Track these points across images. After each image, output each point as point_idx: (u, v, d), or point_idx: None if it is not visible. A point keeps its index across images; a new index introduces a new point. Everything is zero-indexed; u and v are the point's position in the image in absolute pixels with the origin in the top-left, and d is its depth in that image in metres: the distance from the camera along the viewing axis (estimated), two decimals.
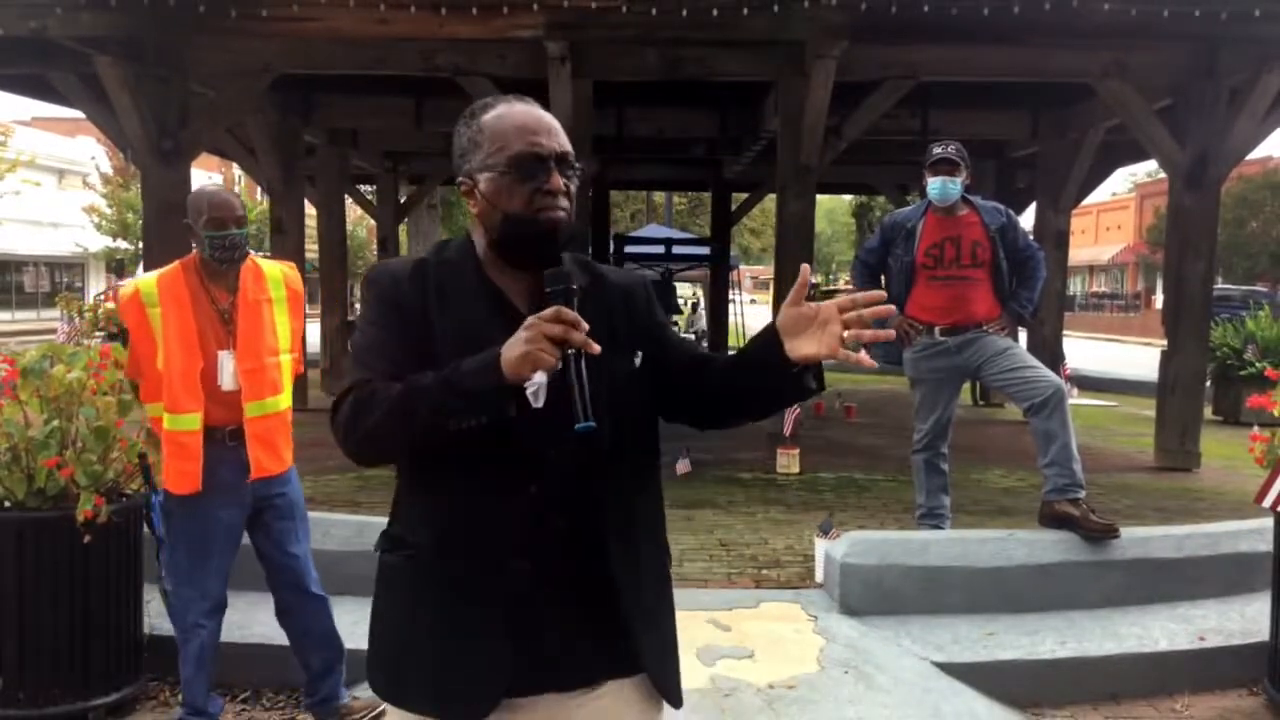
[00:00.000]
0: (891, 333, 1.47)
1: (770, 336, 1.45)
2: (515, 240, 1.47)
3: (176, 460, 2.81)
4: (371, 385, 1.40)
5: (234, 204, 2.90)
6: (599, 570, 1.46)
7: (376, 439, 1.40)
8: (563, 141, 1.48)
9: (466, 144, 1.50)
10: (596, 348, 1.33)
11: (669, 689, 1.54)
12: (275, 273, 3.04)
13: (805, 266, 1.47)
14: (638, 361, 1.50)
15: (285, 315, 3.02)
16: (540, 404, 1.33)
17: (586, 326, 1.32)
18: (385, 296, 1.47)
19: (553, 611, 1.45)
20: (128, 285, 2.93)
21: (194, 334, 2.84)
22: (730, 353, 1.65)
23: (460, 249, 1.54)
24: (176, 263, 2.94)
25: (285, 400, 3.00)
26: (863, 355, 1.46)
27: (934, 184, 4.31)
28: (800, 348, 1.41)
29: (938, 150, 4.34)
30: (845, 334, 1.40)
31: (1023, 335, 7.75)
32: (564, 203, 1.47)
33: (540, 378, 1.32)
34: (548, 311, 1.33)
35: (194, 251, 2.93)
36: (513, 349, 1.32)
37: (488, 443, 1.37)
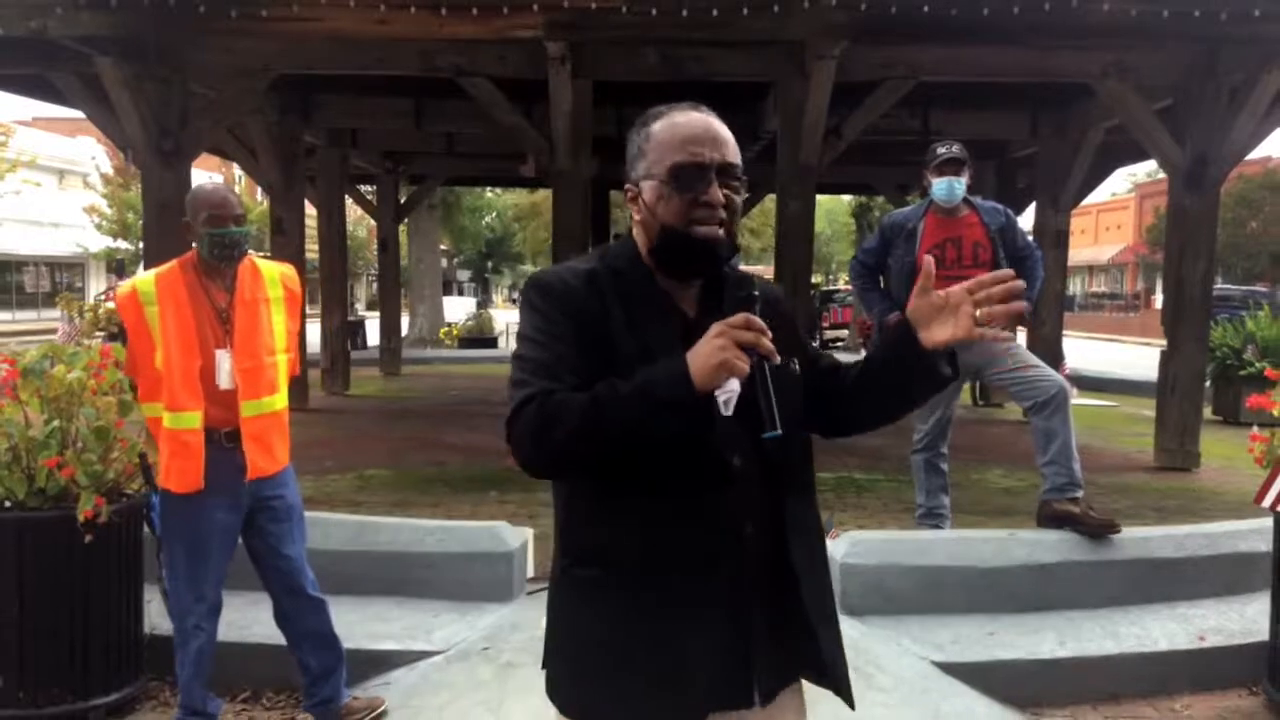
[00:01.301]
0: (1023, 305, 1.46)
1: (902, 329, 1.49)
2: (670, 252, 1.46)
3: (178, 459, 2.80)
4: (556, 397, 1.36)
5: (233, 201, 2.90)
6: (786, 574, 1.47)
7: (570, 451, 1.36)
8: (728, 153, 1.46)
9: (635, 151, 1.51)
10: (778, 356, 1.34)
11: (844, 688, 1.53)
12: (273, 273, 3.03)
13: (929, 259, 1.49)
14: (796, 368, 1.51)
15: (282, 315, 3.01)
16: (730, 412, 1.34)
17: (770, 334, 1.33)
18: (562, 305, 1.44)
19: (752, 618, 1.45)
20: (125, 284, 2.93)
21: (193, 332, 2.83)
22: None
23: (627, 257, 1.52)
24: (174, 261, 2.93)
25: (281, 400, 2.99)
26: (998, 331, 1.51)
27: (940, 184, 4.30)
28: (935, 334, 1.46)
29: (943, 150, 4.32)
30: (978, 313, 1.45)
31: (1021, 335, 7.75)
32: (721, 215, 1.44)
33: (734, 385, 1.33)
34: (737, 318, 1.32)
35: (192, 250, 2.93)
36: (706, 357, 1.30)
37: (683, 451, 1.37)
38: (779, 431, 1.32)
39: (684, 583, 1.41)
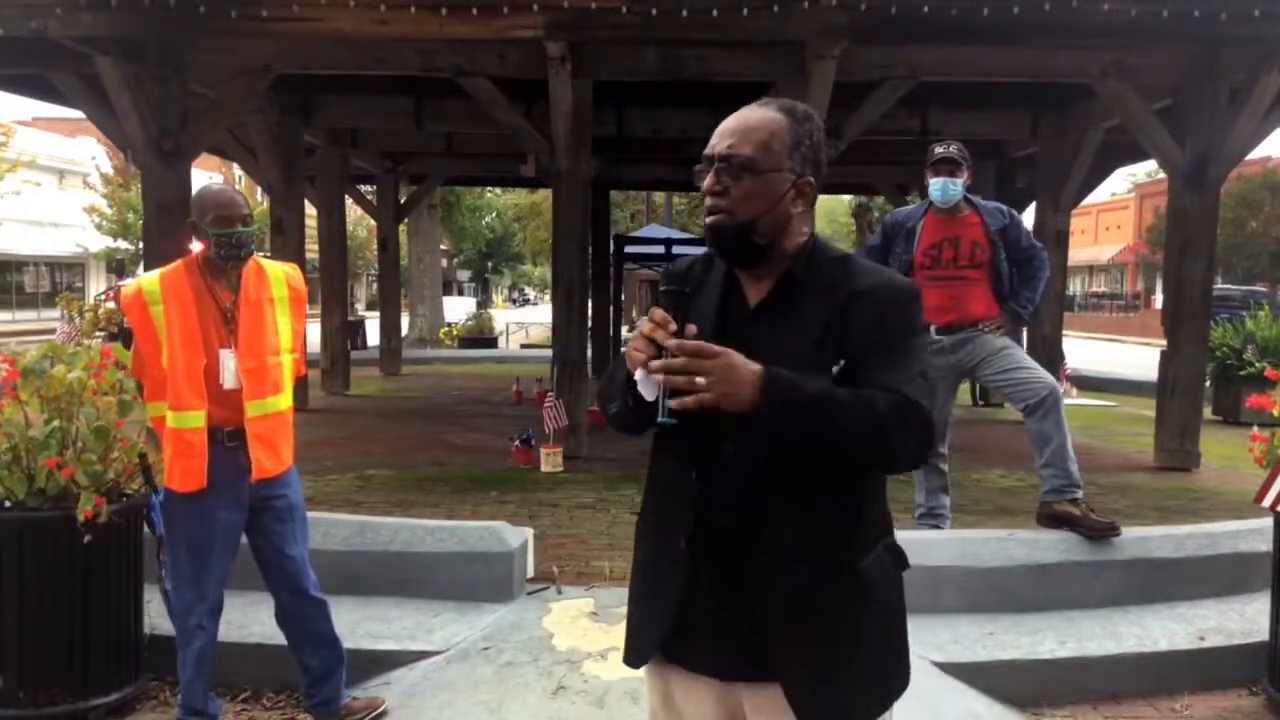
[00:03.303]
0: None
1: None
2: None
3: (181, 458, 2.80)
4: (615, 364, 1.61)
5: (240, 202, 2.90)
6: (742, 574, 1.50)
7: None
8: (728, 144, 1.51)
9: None
10: (670, 344, 1.40)
11: (812, 715, 1.49)
12: (277, 272, 3.03)
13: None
14: (835, 371, 1.46)
15: (287, 315, 3.01)
16: (650, 397, 1.45)
17: (674, 327, 1.41)
18: (665, 283, 1.57)
19: (702, 598, 1.53)
20: (130, 284, 2.93)
21: (197, 332, 2.83)
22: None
23: None
24: (179, 261, 2.93)
25: (286, 400, 2.99)
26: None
27: (935, 184, 4.30)
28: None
29: (939, 150, 4.32)
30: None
31: (1023, 335, 7.73)
32: (719, 203, 1.51)
33: (639, 373, 1.45)
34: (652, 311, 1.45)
35: (196, 250, 2.93)
36: None
37: (684, 431, 1.45)
38: (669, 420, 1.40)
39: (664, 545, 1.57)
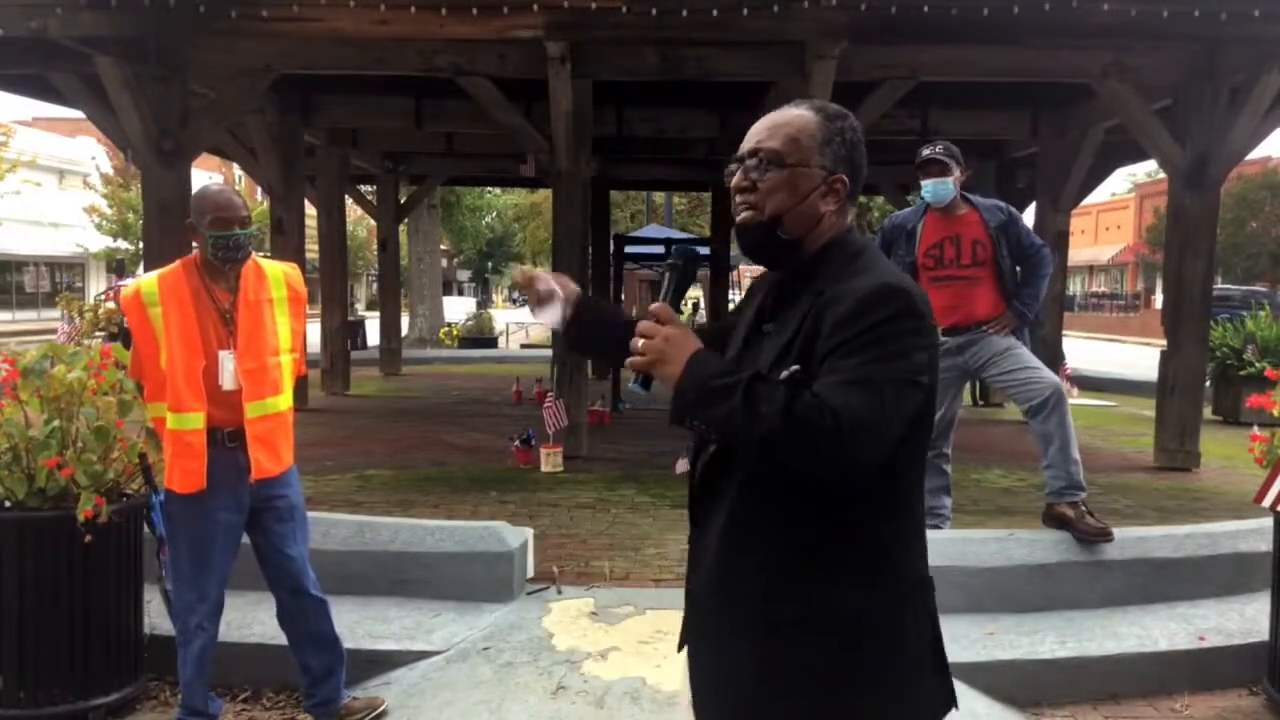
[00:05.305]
0: None
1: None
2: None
3: (181, 460, 2.81)
4: None
5: (238, 204, 2.90)
6: (690, 570, 1.57)
7: None
8: (756, 140, 1.50)
9: None
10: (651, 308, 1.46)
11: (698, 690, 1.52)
12: (276, 273, 3.03)
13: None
14: (783, 374, 1.38)
15: (286, 315, 3.01)
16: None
17: (653, 305, 1.46)
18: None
19: (691, 581, 1.59)
20: (129, 285, 2.93)
21: (196, 333, 2.83)
22: None
23: None
24: (178, 262, 2.93)
25: (286, 401, 2.99)
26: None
27: (926, 186, 4.30)
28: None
29: (926, 152, 4.30)
30: None
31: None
32: (747, 199, 1.50)
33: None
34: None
35: (195, 251, 2.92)
36: None
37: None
38: (636, 386, 1.46)
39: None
